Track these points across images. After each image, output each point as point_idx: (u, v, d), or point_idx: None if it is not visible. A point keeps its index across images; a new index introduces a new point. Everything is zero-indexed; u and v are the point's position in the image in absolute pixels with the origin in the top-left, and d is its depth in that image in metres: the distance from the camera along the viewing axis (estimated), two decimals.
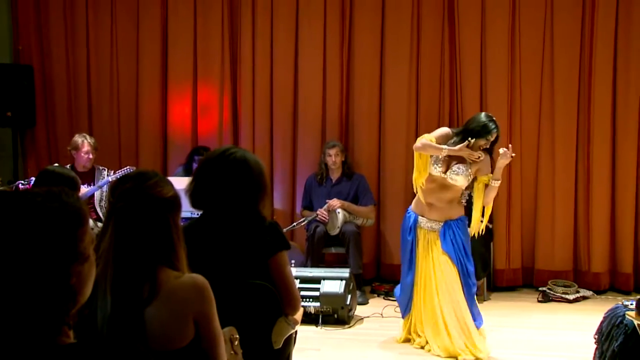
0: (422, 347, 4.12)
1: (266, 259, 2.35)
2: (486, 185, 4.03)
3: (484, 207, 4.09)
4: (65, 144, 5.66)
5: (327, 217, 5.41)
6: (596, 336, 3.29)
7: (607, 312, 3.28)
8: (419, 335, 4.18)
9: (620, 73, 5.52)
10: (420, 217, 4.15)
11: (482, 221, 4.14)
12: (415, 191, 4.19)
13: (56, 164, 5.04)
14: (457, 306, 4.01)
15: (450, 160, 4.02)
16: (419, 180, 4.09)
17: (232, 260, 2.36)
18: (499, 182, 4.01)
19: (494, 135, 3.95)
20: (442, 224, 4.07)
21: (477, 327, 4.04)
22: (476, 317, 4.06)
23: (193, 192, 2.38)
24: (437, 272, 4.06)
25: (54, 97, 6.27)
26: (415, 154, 4.08)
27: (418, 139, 4.11)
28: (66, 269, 1.20)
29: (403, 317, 4.31)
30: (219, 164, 2.37)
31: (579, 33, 5.55)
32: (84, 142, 5.29)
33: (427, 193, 4.11)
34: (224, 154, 2.39)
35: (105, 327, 1.70)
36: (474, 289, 4.11)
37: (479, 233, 4.17)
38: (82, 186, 5.03)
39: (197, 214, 2.52)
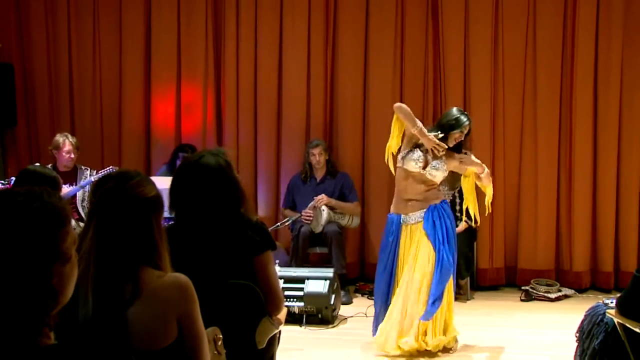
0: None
1: (252, 257, 2.36)
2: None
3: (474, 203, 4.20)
4: (46, 143, 5.59)
5: (312, 217, 5.41)
6: (577, 334, 3.32)
7: (588, 311, 3.32)
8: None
9: (601, 75, 5.57)
10: (403, 216, 4.14)
11: (473, 219, 4.21)
12: (386, 161, 4.19)
13: (37, 164, 4.98)
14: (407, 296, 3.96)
15: (426, 158, 4.07)
16: (393, 147, 4.14)
17: (218, 259, 2.36)
18: (485, 169, 4.11)
19: (467, 128, 4.06)
20: (425, 210, 4.07)
21: (422, 319, 3.89)
22: (427, 308, 3.90)
23: (172, 204, 2.39)
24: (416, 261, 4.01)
25: (35, 96, 6.20)
26: (394, 119, 4.14)
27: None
28: (48, 270, 1.19)
29: (376, 326, 4.16)
30: (189, 174, 2.39)
31: (560, 32, 5.60)
32: (65, 142, 5.24)
33: (404, 191, 4.12)
34: (193, 164, 2.40)
35: (87, 327, 1.69)
36: (446, 277, 3.94)
37: (470, 229, 4.21)
38: (64, 186, 4.98)
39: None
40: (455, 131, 4.04)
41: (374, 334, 4.16)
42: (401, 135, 4.13)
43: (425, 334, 3.96)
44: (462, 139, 4.09)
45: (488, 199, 4.23)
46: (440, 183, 4.16)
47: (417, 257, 4.00)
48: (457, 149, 4.16)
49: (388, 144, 4.18)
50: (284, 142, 6.00)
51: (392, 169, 4.24)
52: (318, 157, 5.56)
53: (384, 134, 5.74)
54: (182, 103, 6.11)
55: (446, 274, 3.95)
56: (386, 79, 5.81)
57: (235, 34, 5.97)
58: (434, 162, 4.05)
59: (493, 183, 5.62)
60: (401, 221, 4.13)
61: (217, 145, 5.94)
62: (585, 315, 3.31)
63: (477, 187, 4.31)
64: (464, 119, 4.07)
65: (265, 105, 5.99)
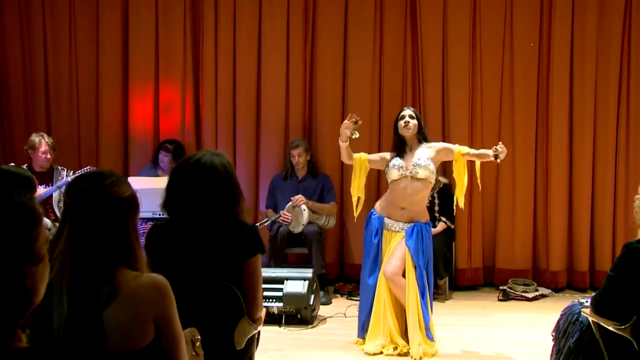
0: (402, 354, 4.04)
1: (243, 260, 2.36)
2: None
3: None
4: (21, 143, 5.50)
5: (290, 219, 5.40)
6: (553, 333, 3.35)
7: (564, 310, 3.36)
8: (393, 342, 4.06)
9: (576, 75, 5.65)
10: (386, 219, 4.16)
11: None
12: (355, 209, 4.29)
13: (12, 164, 4.91)
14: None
15: (406, 161, 4.11)
16: (356, 190, 4.26)
17: (210, 259, 2.35)
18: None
19: (403, 112, 4.27)
20: (410, 225, 4.11)
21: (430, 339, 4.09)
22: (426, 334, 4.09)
23: (167, 203, 2.37)
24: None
25: (10, 95, 6.09)
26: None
27: None
28: (21, 271, 1.18)
29: (362, 334, 4.20)
30: (187, 173, 2.38)
31: (537, 34, 5.67)
32: (42, 142, 5.17)
33: (397, 199, 4.12)
34: (195, 162, 2.38)
35: (62, 330, 1.66)
36: (426, 299, 4.06)
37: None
38: (40, 187, 4.92)
39: (162, 214, 2.50)
40: (398, 122, 4.22)
41: (360, 336, 4.20)
42: (361, 175, 4.23)
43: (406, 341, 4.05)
44: (408, 123, 4.16)
45: (477, 171, 4.25)
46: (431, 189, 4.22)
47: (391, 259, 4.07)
48: (423, 136, 4.22)
49: (352, 187, 4.29)
50: (262, 143, 5.99)
51: (356, 211, 4.33)
52: (297, 157, 5.56)
53: (363, 135, 5.77)
54: (160, 103, 6.06)
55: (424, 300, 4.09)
56: (365, 80, 5.82)
57: (214, 33, 5.94)
58: (414, 159, 4.08)
59: (471, 183, 5.68)
60: (383, 223, 4.15)
61: (196, 145, 5.93)
62: (561, 315, 3.35)
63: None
64: (401, 109, 4.33)
65: (244, 106, 5.97)
